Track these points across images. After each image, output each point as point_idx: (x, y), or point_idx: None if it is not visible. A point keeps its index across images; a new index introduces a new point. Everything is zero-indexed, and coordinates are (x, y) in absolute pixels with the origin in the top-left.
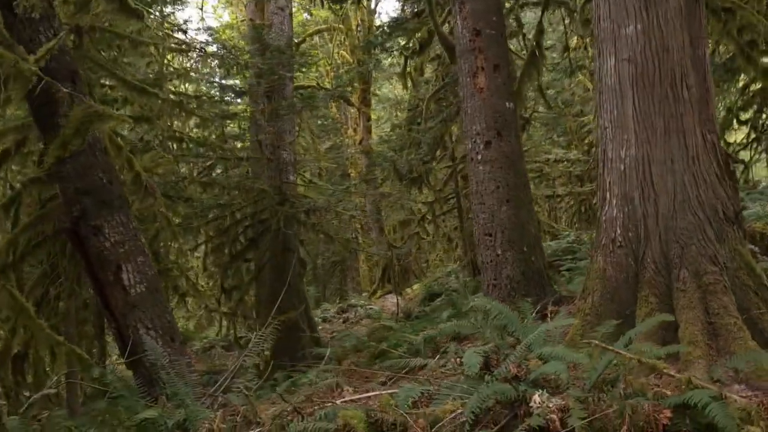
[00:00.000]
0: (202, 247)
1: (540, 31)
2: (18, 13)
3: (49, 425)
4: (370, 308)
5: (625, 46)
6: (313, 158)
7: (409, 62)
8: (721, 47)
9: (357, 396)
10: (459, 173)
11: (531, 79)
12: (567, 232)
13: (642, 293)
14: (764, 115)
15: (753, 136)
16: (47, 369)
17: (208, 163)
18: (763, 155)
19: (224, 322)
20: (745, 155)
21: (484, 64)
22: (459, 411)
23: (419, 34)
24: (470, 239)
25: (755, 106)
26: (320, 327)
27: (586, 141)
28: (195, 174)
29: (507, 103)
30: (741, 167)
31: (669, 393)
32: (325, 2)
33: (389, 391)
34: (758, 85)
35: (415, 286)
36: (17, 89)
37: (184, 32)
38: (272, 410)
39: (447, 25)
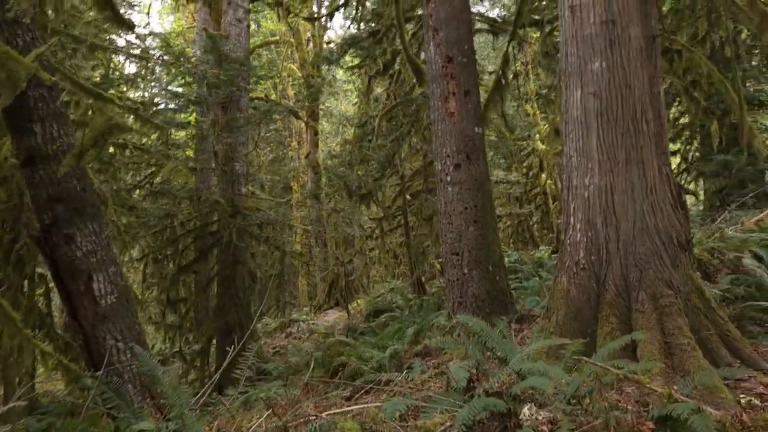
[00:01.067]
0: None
1: (506, 61)
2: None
3: None
4: (314, 323)
5: (590, 81)
6: (259, 171)
7: (371, 81)
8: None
9: (337, 410)
10: (407, 191)
11: (496, 105)
12: (508, 252)
13: (603, 313)
14: (693, 147)
15: (683, 166)
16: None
17: (150, 172)
18: (693, 185)
19: (166, 335)
20: None
21: (455, 90)
22: (448, 424)
23: (383, 55)
24: (417, 257)
25: (684, 138)
26: (262, 342)
27: (525, 164)
28: (135, 182)
29: (476, 128)
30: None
31: (630, 407)
32: (281, 17)
33: (369, 405)
34: (687, 119)
35: (359, 302)
36: (6, 93)
37: (139, 37)
38: (252, 425)
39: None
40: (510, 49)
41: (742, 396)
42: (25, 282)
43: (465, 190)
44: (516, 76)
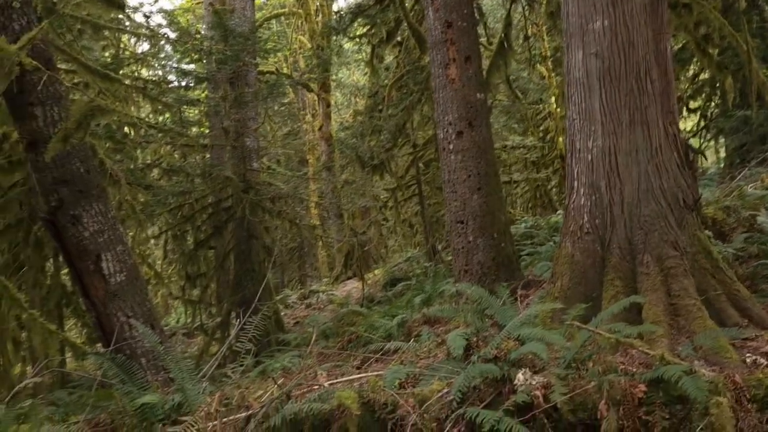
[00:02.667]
0: (162, 234)
1: (508, 24)
2: None
3: (34, 412)
4: (332, 294)
5: (592, 41)
6: (273, 144)
7: (375, 50)
8: (673, 39)
9: (343, 379)
10: (420, 160)
11: (499, 70)
12: (524, 218)
13: (608, 277)
14: (713, 104)
15: (702, 124)
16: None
17: (168, 149)
18: (712, 142)
19: (186, 310)
20: (695, 142)
21: (456, 56)
22: (446, 390)
23: (386, 23)
24: (431, 225)
25: (704, 95)
26: (283, 313)
27: (542, 127)
28: (151, 160)
29: (478, 94)
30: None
31: (635, 370)
32: None
33: (375, 374)
34: (707, 75)
35: (377, 272)
36: (0, 80)
37: (147, 17)
38: (258, 394)
39: (413, 12)
40: (512, 11)
41: (748, 355)
42: (50, 261)
43: (468, 158)
44: (527, 37)
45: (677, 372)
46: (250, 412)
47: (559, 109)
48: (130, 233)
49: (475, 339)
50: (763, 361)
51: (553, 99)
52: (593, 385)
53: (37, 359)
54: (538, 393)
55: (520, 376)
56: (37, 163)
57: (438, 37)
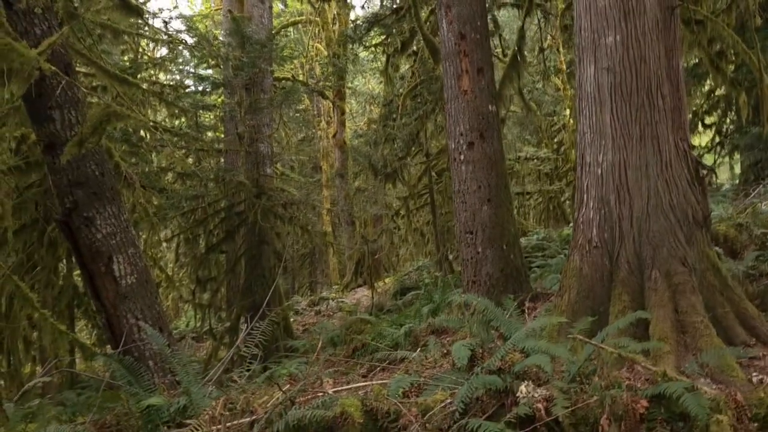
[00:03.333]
0: (175, 237)
1: (521, 37)
2: (14, 6)
3: (42, 411)
4: (342, 301)
5: (604, 56)
6: (286, 151)
7: (390, 60)
8: (687, 55)
9: (348, 386)
10: (433, 169)
11: (512, 82)
12: (536, 230)
13: (616, 291)
14: (728, 120)
15: (717, 140)
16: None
17: (182, 153)
18: (727, 158)
19: (196, 314)
20: (709, 158)
21: (468, 68)
22: (449, 401)
23: (401, 33)
24: (443, 235)
25: (719, 111)
26: (291, 320)
27: (556, 140)
28: (166, 164)
29: (490, 106)
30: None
31: (639, 385)
32: None
33: (379, 382)
34: (722, 91)
35: (387, 280)
36: (19, 84)
37: (166, 23)
38: (263, 400)
39: (428, 23)
40: (527, 23)
41: (754, 374)
42: (63, 262)
43: (478, 169)
44: (542, 50)
45: (679, 389)
46: (254, 417)
47: (572, 122)
48: (143, 236)
49: (479, 350)
50: None
51: (567, 111)
52: (595, 400)
53: (47, 359)
54: (540, 406)
55: (522, 388)
56: (54, 165)
57: (451, 48)
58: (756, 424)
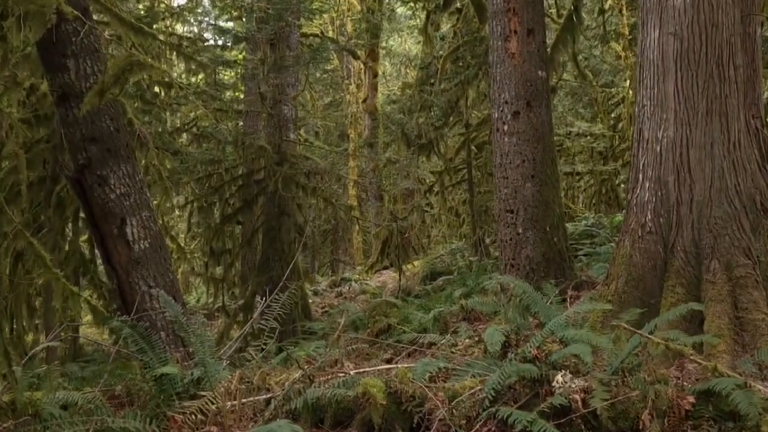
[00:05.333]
0: (188, 205)
1: None
2: None
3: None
4: (366, 283)
5: (671, 19)
6: (312, 115)
7: (430, 17)
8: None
9: (370, 368)
10: (472, 142)
11: (565, 46)
12: (585, 215)
13: (669, 282)
14: None
15: None
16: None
17: (198, 113)
18: None
19: (208, 289)
20: None
21: (517, 28)
22: (478, 387)
23: None
24: (480, 215)
25: None
26: (311, 301)
27: (613, 114)
28: (181, 125)
29: (539, 72)
30: None
31: (688, 384)
32: None
33: (405, 366)
34: None
35: (416, 263)
36: (36, 28)
37: None
38: (280, 378)
39: None
40: None
41: None
42: (69, 225)
43: (523, 141)
44: (603, 11)
45: (730, 385)
46: (271, 395)
47: (632, 94)
48: (155, 201)
49: (514, 336)
50: None
51: (627, 83)
52: (637, 394)
53: (51, 328)
54: (576, 397)
55: (559, 377)
56: (67, 118)
57: (499, 6)
58: None
